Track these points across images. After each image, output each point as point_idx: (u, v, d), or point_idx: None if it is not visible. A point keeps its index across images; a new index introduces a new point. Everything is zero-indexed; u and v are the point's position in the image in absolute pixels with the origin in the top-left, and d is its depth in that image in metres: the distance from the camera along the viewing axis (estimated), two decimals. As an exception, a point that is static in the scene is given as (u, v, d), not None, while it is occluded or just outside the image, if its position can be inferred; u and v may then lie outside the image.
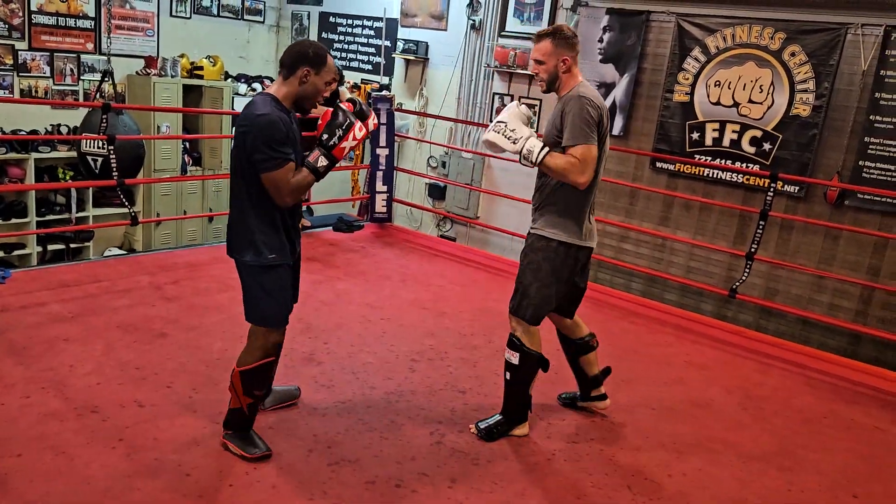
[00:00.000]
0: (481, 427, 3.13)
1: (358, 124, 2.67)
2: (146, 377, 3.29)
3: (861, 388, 4.21)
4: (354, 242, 6.01)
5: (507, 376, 3.09)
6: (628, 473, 2.97)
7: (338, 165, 2.81)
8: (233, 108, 7.46)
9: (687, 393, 3.85)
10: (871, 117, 4.91)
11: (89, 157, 6.02)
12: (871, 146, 4.93)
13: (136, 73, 7.03)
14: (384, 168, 6.36)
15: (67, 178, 6.67)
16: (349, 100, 3.02)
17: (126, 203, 4.98)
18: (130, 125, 6.13)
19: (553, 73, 2.95)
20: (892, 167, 4.86)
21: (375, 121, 2.86)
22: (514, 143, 2.86)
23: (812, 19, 5.09)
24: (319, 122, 2.68)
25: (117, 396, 3.08)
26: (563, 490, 2.81)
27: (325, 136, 2.63)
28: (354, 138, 2.65)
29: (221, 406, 3.06)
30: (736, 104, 5.42)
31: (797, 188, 5.25)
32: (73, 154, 6.20)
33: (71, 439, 2.74)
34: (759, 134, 5.36)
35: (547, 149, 2.85)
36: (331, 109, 2.69)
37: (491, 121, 6.71)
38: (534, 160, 2.86)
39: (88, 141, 5.89)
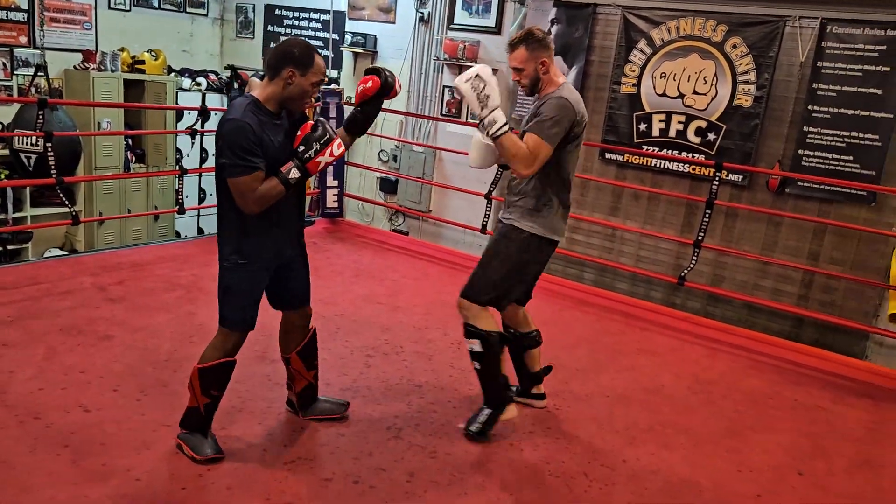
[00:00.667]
0: (472, 429, 3.06)
1: (337, 141, 2.57)
2: (91, 381, 3.18)
3: (804, 369, 4.35)
4: (306, 238, 5.92)
5: (476, 366, 3.05)
6: (584, 461, 3.01)
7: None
8: (177, 104, 7.28)
9: (639, 379, 3.92)
10: (809, 107, 5.07)
11: (22, 155, 5.82)
12: (809, 135, 5.09)
13: (74, 67, 6.79)
14: (334, 163, 6.28)
15: (2, 176, 6.41)
16: (372, 69, 2.78)
17: (66, 202, 4.81)
18: (66, 121, 5.94)
19: (534, 76, 2.95)
20: (830, 155, 5.03)
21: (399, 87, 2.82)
22: (482, 106, 2.79)
23: (752, 12, 5.22)
24: (299, 132, 2.57)
25: (61, 401, 2.98)
26: (521, 480, 2.83)
27: (302, 149, 2.53)
28: (332, 154, 2.56)
29: (171, 409, 2.99)
30: (681, 95, 5.53)
31: (741, 177, 5.39)
32: (6, 152, 5.96)
33: (12, 447, 2.64)
34: (703, 124, 5.48)
35: (507, 127, 2.84)
36: (311, 122, 2.60)
37: (442, 113, 6.76)
38: (492, 132, 2.81)
39: (20, 138, 5.68)
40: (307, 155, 2.54)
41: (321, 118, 2.71)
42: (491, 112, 2.79)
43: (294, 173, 2.53)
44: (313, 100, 2.70)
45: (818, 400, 3.92)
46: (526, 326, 3.33)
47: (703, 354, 4.42)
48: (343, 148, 2.61)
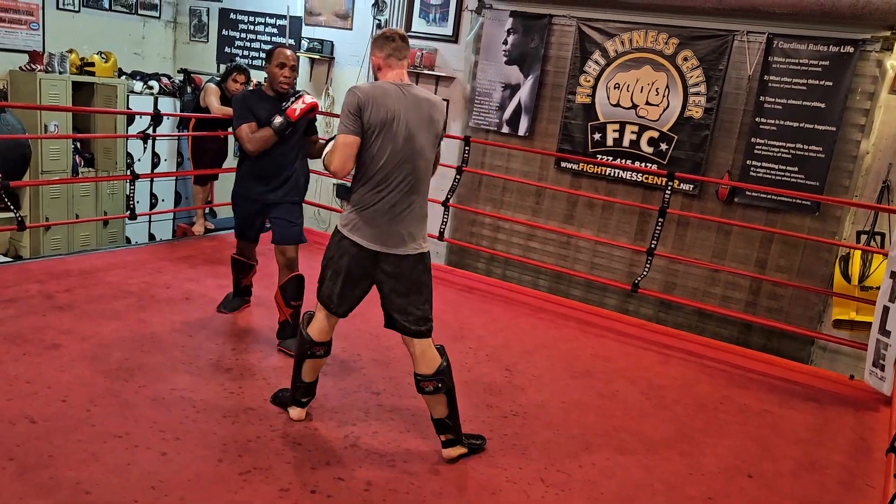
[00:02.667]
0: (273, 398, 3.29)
1: (306, 96, 3.78)
2: (38, 391, 3.09)
3: (752, 374, 4.47)
4: (261, 245, 5.86)
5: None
6: (541, 466, 3.04)
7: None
8: (128, 107, 7.13)
9: (593, 385, 3.98)
10: (756, 119, 5.23)
11: (-33, 158, 5.61)
12: (757, 146, 5.24)
13: (20, 68, 6.59)
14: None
15: (-57, 180, 6.17)
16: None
17: (11, 206, 4.66)
18: (14, 124, 5.77)
19: (374, 73, 3.01)
20: (776, 166, 5.19)
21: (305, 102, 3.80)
22: None
23: (702, 26, 5.37)
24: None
25: (6, 413, 2.88)
26: (478, 487, 2.84)
27: (283, 105, 3.75)
28: (304, 102, 3.75)
29: (122, 418, 2.93)
30: (634, 106, 5.65)
31: (692, 186, 5.52)
32: (-51, 155, 5.75)
33: (-46, 461, 2.54)
34: (656, 135, 5.60)
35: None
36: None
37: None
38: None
39: (-34, 141, 5.49)
40: (284, 105, 3.74)
41: (299, 90, 3.86)
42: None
43: (277, 118, 3.70)
44: (284, 77, 3.77)
45: (766, 404, 4.03)
46: (417, 365, 2.99)
47: (656, 360, 4.51)
48: (313, 99, 3.80)
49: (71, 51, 6.90)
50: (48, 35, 6.97)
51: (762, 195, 5.24)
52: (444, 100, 6.53)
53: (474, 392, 3.67)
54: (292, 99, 3.76)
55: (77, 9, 7.22)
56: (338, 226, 2.97)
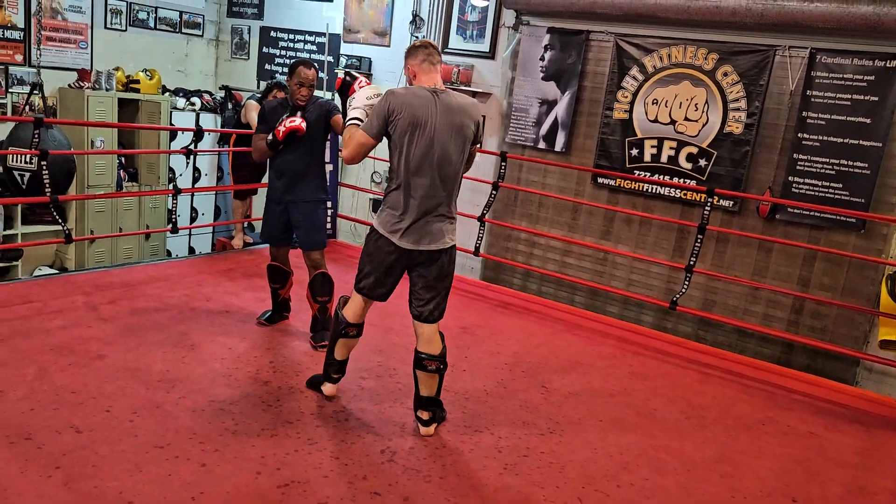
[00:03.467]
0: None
1: (292, 118, 3.92)
2: (83, 401, 3.16)
3: (795, 395, 4.37)
4: (298, 259, 5.93)
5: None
6: (578, 485, 3.00)
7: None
8: (170, 123, 7.29)
9: (631, 403, 3.93)
10: (799, 135, 5.14)
11: (16, 173, 5.80)
12: (799, 162, 5.15)
13: (69, 85, 6.80)
14: (328, 184, 6.30)
15: (-6, 194, 6.38)
16: (345, 71, 3.73)
17: (59, 220, 4.79)
18: (61, 139, 5.93)
19: (410, 83, 3.23)
20: (820, 183, 5.09)
21: (363, 83, 3.46)
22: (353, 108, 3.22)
23: (742, 41, 5.31)
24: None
25: (53, 422, 2.95)
26: (515, 504, 2.82)
27: (282, 118, 3.99)
28: (285, 125, 3.90)
29: (164, 430, 2.97)
30: (673, 122, 5.60)
31: (731, 203, 5.44)
32: None
33: (3, 469, 2.61)
34: (694, 150, 5.54)
35: (355, 122, 3.15)
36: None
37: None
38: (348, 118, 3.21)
39: (14, 156, 5.66)
40: (272, 125, 4.00)
41: (298, 110, 4.05)
42: (354, 109, 3.20)
43: (269, 135, 3.98)
44: (301, 95, 4.01)
45: (810, 426, 3.93)
46: (422, 345, 3.23)
47: (695, 379, 4.44)
48: (297, 122, 3.89)
49: (117, 68, 7.09)
50: (96, 53, 7.18)
51: (805, 212, 5.14)
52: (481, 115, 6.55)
53: (510, 409, 3.65)
54: (287, 115, 3.98)
55: (124, 28, 7.43)
56: (374, 224, 3.21)
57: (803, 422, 3.98)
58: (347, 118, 3.19)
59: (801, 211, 5.16)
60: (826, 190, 5.07)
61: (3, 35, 6.45)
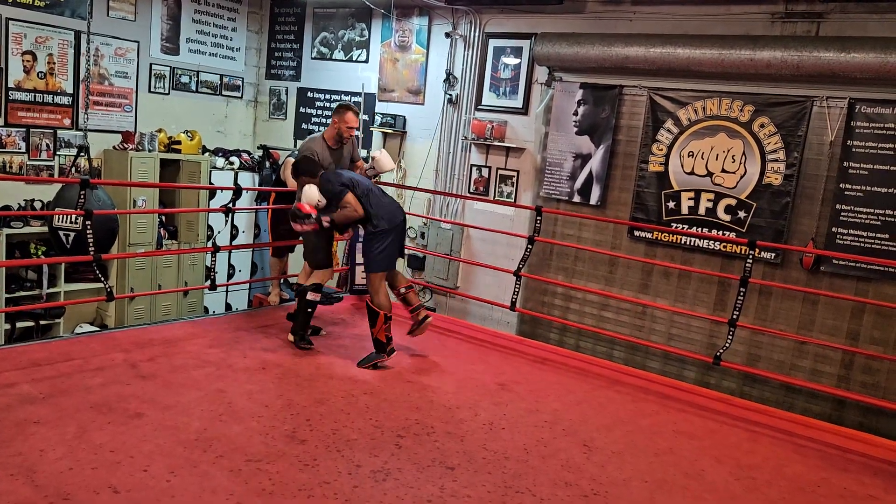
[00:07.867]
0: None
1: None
2: (121, 461, 3.14)
3: (850, 454, 4.17)
4: (334, 315, 5.94)
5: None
6: (626, 551, 2.87)
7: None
8: (210, 182, 7.45)
9: (678, 463, 3.78)
10: (840, 185, 5.05)
11: (61, 233, 5.93)
12: (842, 213, 5.05)
13: (114, 147, 7.02)
14: (363, 240, 6.34)
15: (39, 253, 6.54)
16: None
17: (101, 278, 4.87)
18: (104, 199, 6.07)
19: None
20: (865, 233, 4.97)
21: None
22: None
23: (779, 92, 5.28)
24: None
25: (91, 482, 2.93)
26: (560, 571, 2.70)
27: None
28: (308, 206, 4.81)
29: (201, 490, 2.93)
30: (710, 174, 5.55)
31: (773, 255, 5.34)
32: (46, 229, 6.09)
33: (40, 530, 2.58)
34: (733, 202, 5.47)
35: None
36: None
37: (469, 191, 6.85)
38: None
39: (60, 216, 5.81)
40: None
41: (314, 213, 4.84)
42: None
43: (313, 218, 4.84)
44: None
45: (869, 488, 3.74)
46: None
47: (744, 438, 4.27)
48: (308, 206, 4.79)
49: (160, 130, 7.31)
50: (140, 116, 7.43)
51: (851, 263, 5.01)
52: (514, 170, 6.59)
53: (551, 468, 3.54)
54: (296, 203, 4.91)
55: (167, 91, 7.69)
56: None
57: (861, 484, 3.78)
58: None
59: (847, 262, 5.03)
60: (872, 241, 4.95)
61: (52, 100, 6.72)
